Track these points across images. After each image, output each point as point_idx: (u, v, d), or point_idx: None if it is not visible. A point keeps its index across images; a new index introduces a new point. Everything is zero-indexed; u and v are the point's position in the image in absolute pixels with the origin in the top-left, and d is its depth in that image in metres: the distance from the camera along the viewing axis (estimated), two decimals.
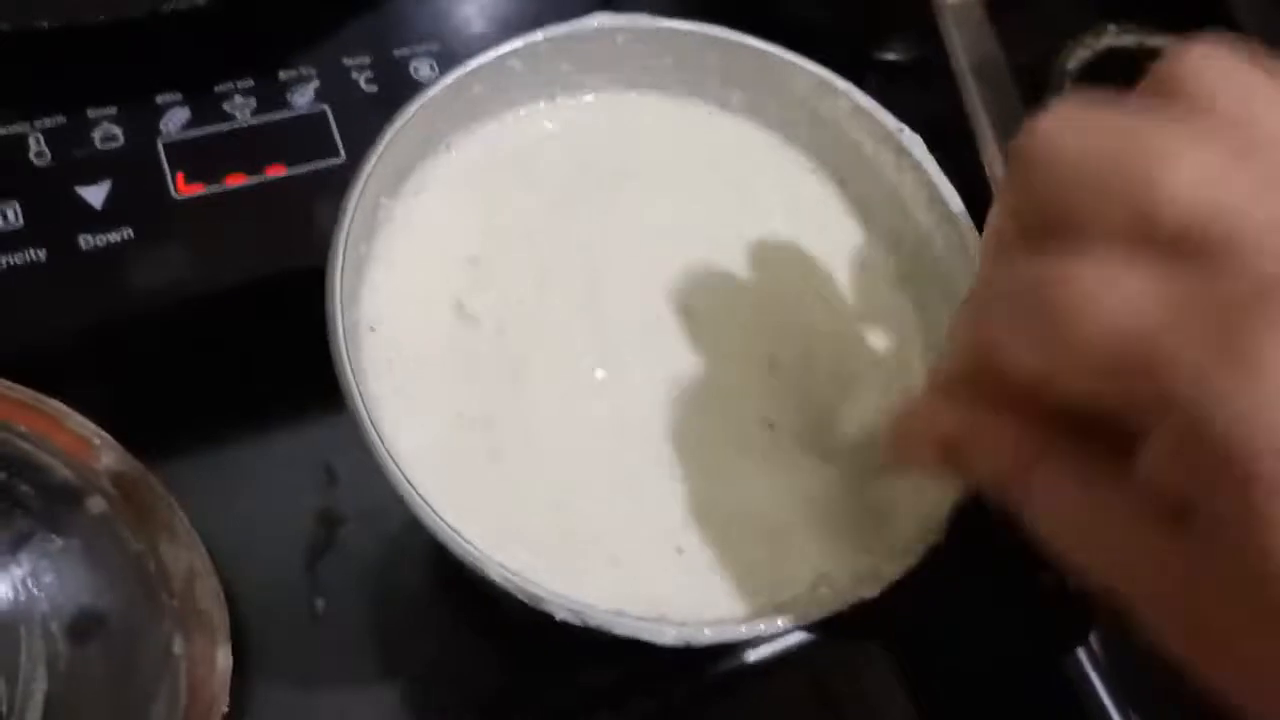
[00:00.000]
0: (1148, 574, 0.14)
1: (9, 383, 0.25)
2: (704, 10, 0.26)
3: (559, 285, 0.21)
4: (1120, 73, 0.33)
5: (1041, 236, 0.15)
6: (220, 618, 0.25)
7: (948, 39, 0.31)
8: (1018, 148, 0.15)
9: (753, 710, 0.29)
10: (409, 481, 0.17)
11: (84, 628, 0.25)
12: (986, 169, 0.30)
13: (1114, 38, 0.33)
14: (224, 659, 0.24)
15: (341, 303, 0.19)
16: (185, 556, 0.25)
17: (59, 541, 0.26)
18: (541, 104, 0.23)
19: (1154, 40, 0.33)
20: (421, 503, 0.17)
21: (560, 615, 0.16)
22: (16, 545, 0.26)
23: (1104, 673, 0.27)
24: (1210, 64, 0.15)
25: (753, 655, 0.29)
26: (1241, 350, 0.12)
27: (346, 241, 0.19)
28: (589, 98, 0.23)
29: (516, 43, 0.21)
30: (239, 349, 0.28)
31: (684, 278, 0.21)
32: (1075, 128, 0.14)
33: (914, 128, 0.24)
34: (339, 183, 0.28)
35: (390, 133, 0.20)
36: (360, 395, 0.18)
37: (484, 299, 0.21)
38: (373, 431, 0.17)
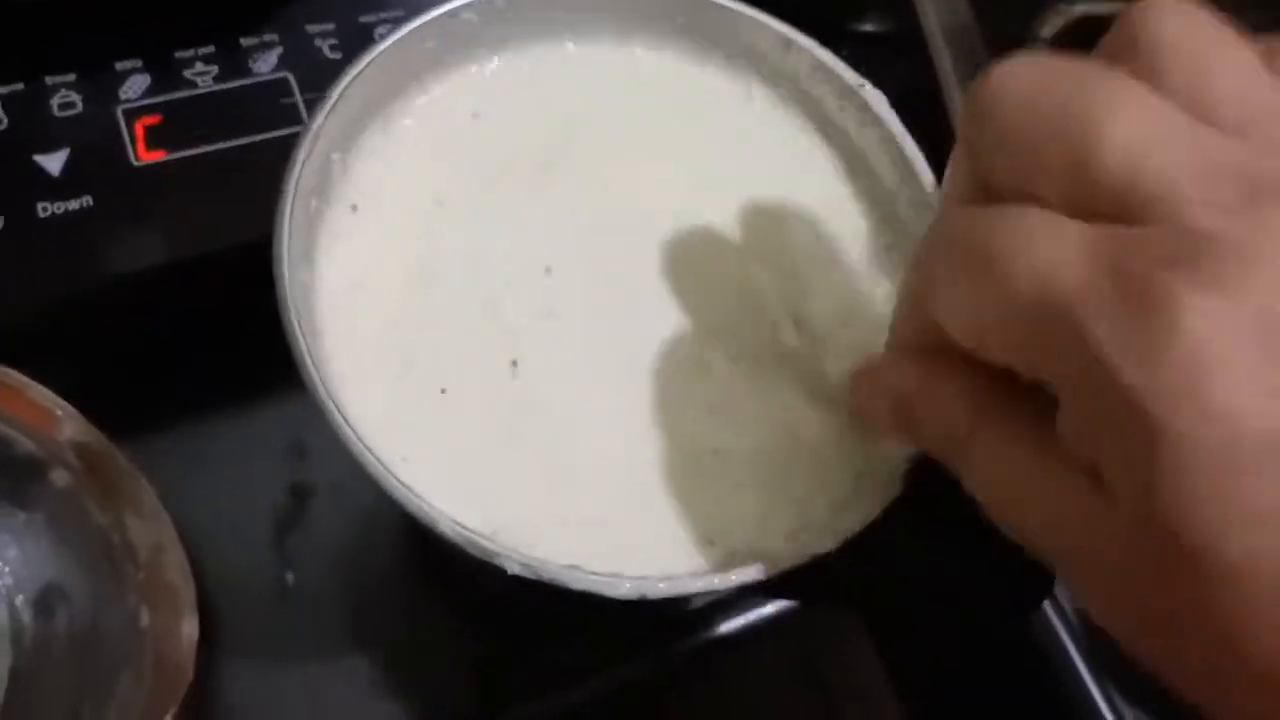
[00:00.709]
0: (1070, 537, 0.14)
1: None
2: None
3: (522, 236, 0.21)
4: (1095, 40, 0.33)
5: (988, 189, 0.15)
6: (187, 591, 0.24)
7: (920, 8, 0.31)
8: (968, 98, 0.15)
9: (734, 689, 0.29)
10: (361, 440, 0.17)
11: (49, 601, 0.25)
12: (957, 136, 0.30)
13: (1090, 4, 0.33)
14: (190, 629, 0.24)
15: (289, 260, 0.18)
16: (151, 530, 0.25)
17: (22, 515, 0.25)
18: (497, 58, 0.22)
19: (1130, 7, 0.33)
20: (373, 460, 0.17)
21: (512, 569, 0.16)
22: None
23: (1077, 638, 0.27)
24: (1167, 19, 0.14)
25: (726, 627, 0.29)
26: (1156, 314, 0.12)
27: (294, 196, 0.19)
28: (547, 49, 0.23)
29: None
30: (204, 319, 0.28)
31: (654, 227, 0.21)
32: (1023, 79, 0.14)
33: (891, 99, 0.24)
34: None
35: (342, 85, 0.20)
36: (310, 355, 0.18)
37: (444, 252, 0.21)
38: (321, 389, 0.17)
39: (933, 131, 0.25)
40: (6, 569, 0.25)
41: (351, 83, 0.20)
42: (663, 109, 0.23)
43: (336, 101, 0.20)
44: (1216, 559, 0.12)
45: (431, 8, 0.31)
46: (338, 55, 0.29)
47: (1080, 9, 0.33)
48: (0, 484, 0.25)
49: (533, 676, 0.28)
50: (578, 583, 0.16)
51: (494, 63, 0.22)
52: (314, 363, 0.18)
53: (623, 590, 0.16)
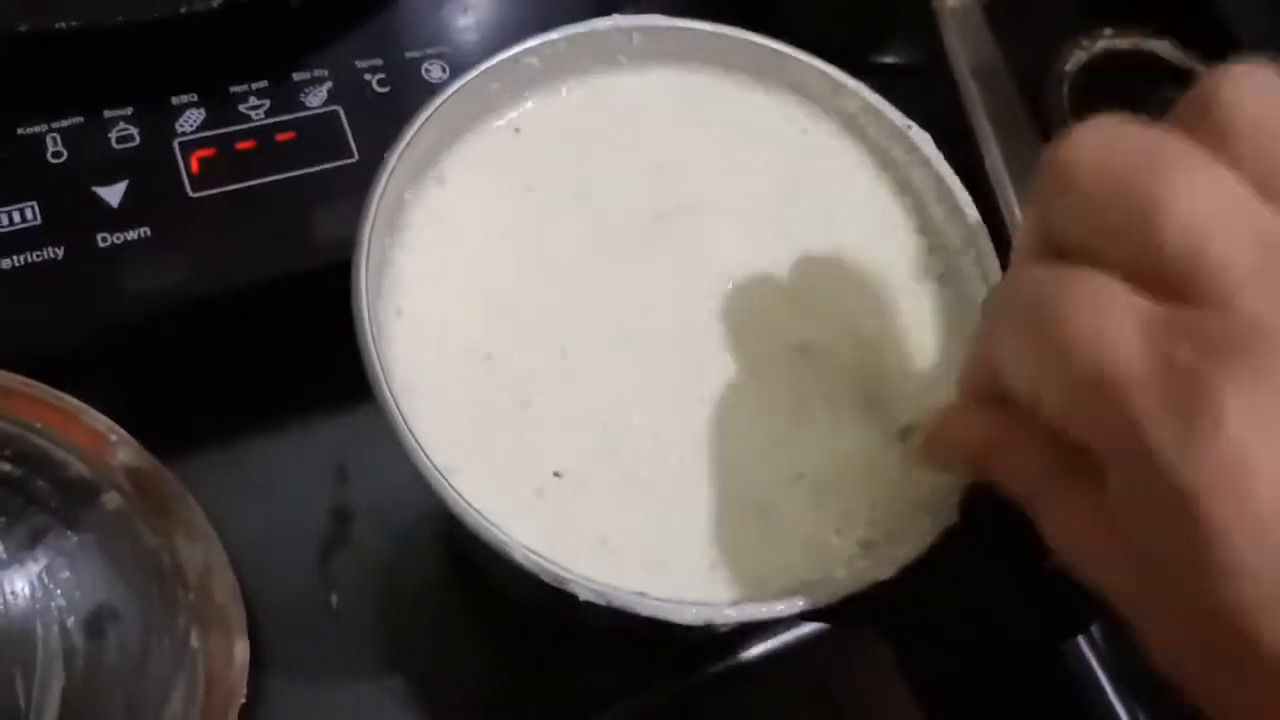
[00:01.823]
0: (1126, 600, 0.14)
1: (27, 379, 0.25)
2: (706, 8, 0.27)
3: (586, 270, 0.21)
4: (1117, 75, 0.34)
5: (1057, 247, 0.15)
6: (237, 612, 0.25)
7: (947, 42, 0.32)
8: (1045, 160, 0.15)
9: (753, 707, 0.30)
10: (437, 469, 0.18)
11: (100, 623, 0.26)
12: (988, 171, 0.30)
13: (1110, 40, 0.34)
14: (241, 652, 0.24)
15: (368, 296, 0.19)
16: (201, 551, 0.25)
17: (75, 537, 0.26)
18: (562, 91, 0.23)
19: (1150, 43, 0.34)
20: (450, 489, 0.17)
21: (584, 596, 0.17)
22: (33, 541, 0.26)
23: (1107, 665, 0.27)
24: (1244, 88, 0.14)
25: (752, 651, 0.29)
26: (1202, 411, 0.12)
27: (371, 235, 0.19)
28: (607, 83, 0.23)
29: (533, 41, 0.22)
30: (254, 347, 0.28)
31: (715, 261, 0.22)
32: (1097, 143, 0.14)
33: (909, 119, 0.24)
34: (352, 182, 0.29)
35: (414, 129, 0.20)
36: (389, 387, 0.18)
37: (512, 286, 0.21)
38: (400, 420, 0.18)
39: (960, 164, 0.25)
40: (58, 591, 0.26)
41: (423, 125, 0.21)
42: (719, 132, 0.23)
43: (409, 143, 0.20)
44: (1268, 654, 0.12)
45: (478, 47, 0.32)
46: (385, 89, 0.30)
47: (1103, 44, 0.34)
48: (53, 506, 0.26)
49: (567, 698, 0.28)
50: (646, 609, 0.16)
51: (554, 99, 0.23)
52: (395, 399, 0.18)
53: (689, 616, 0.16)
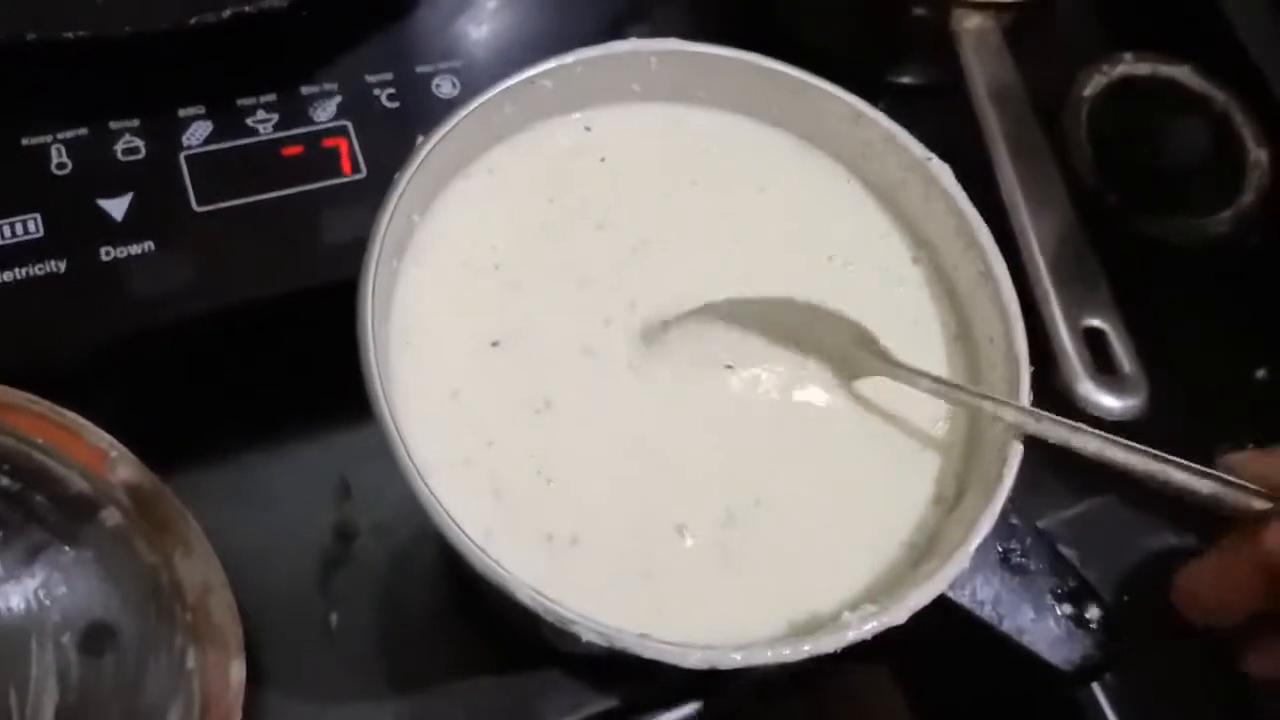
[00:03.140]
0: None
1: (28, 395, 0.25)
2: (723, 31, 0.26)
3: (589, 293, 0.21)
4: (1136, 100, 0.34)
5: None
6: (234, 631, 0.25)
7: (965, 64, 0.32)
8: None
9: None
10: (437, 500, 0.17)
11: (96, 640, 0.25)
12: (1002, 194, 0.30)
13: (1130, 65, 0.34)
14: (238, 673, 0.24)
15: (373, 318, 0.19)
16: (200, 570, 0.25)
17: (73, 553, 0.26)
18: (574, 116, 0.23)
19: (1168, 68, 0.34)
20: (450, 523, 0.17)
21: (587, 637, 0.16)
22: (30, 556, 0.26)
23: (1116, 704, 0.27)
24: None
25: (764, 677, 0.29)
26: None
27: (379, 257, 0.19)
28: (621, 110, 0.23)
29: (549, 64, 0.22)
30: (256, 362, 0.28)
31: (716, 289, 0.22)
32: None
33: (934, 151, 0.24)
34: (359, 198, 0.28)
35: (424, 151, 0.20)
36: (390, 411, 0.18)
37: (516, 309, 0.21)
38: (401, 448, 0.18)
39: (971, 181, 0.25)
40: (54, 606, 0.25)
41: (434, 148, 0.20)
42: (727, 171, 0.23)
43: (419, 166, 0.20)
44: None
45: (489, 62, 0.31)
46: (395, 104, 0.30)
47: (1122, 69, 0.33)
48: (52, 522, 0.26)
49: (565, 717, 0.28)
50: (649, 651, 0.16)
51: (563, 124, 0.23)
52: (394, 419, 0.18)
53: (693, 660, 0.16)
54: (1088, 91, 0.33)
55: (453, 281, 0.21)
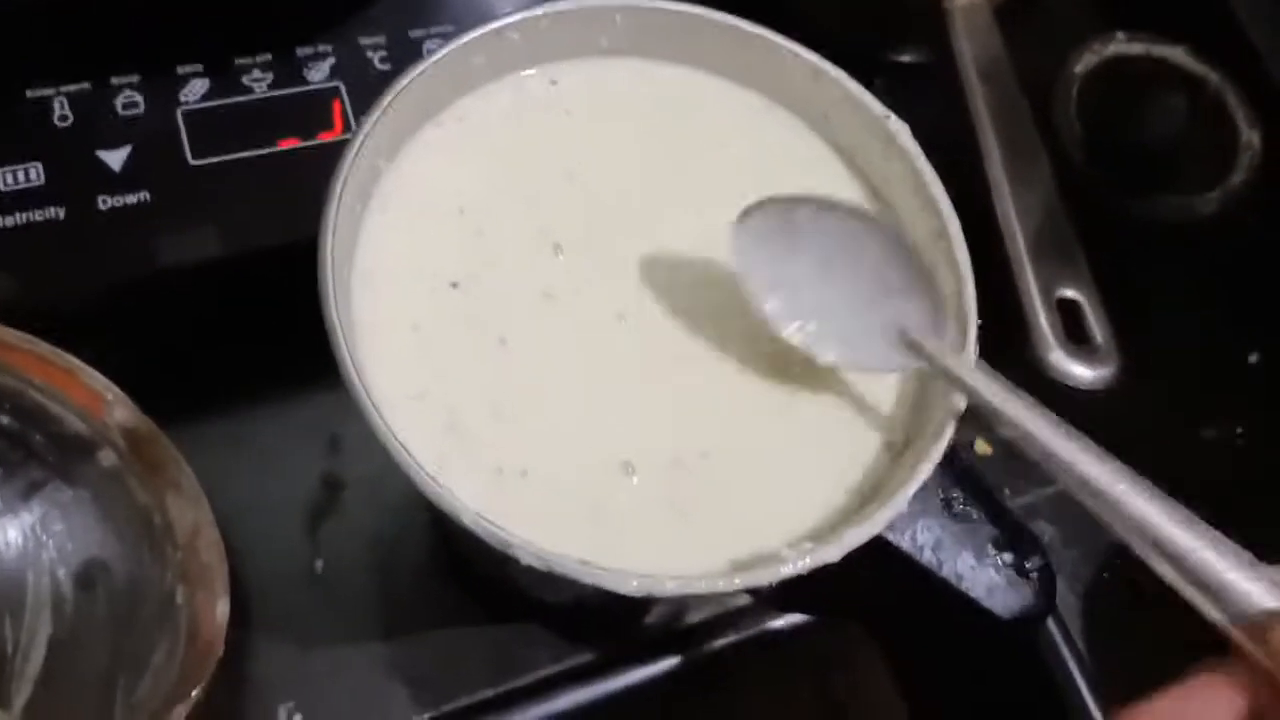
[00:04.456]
0: None
1: (28, 336, 0.26)
2: (715, 6, 0.27)
3: (550, 241, 0.22)
4: (1128, 80, 0.34)
5: None
6: (221, 571, 0.26)
7: (954, 42, 0.32)
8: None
9: (749, 700, 0.30)
10: (390, 429, 0.18)
11: (90, 575, 0.26)
12: (987, 169, 0.30)
13: (1121, 45, 0.33)
14: (223, 610, 0.25)
15: (334, 259, 0.19)
16: (190, 511, 0.26)
17: (69, 491, 0.27)
18: (537, 69, 0.23)
19: (1161, 48, 0.33)
20: (401, 450, 0.18)
21: (526, 560, 0.17)
22: (28, 493, 0.27)
23: (1080, 661, 0.27)
24: None
25: (732, 637, 0.30)
26: None
27: (340, 198, 0.20)
28: (587, 63, 0.23)
29: (516, 16, 0.22)
30: (250, 314, 0.29)
31: (674, 237, 0.22)
32: None
33: (923, 129, 0.24)
34: None
35: (389, 98, 0.21)
36: (346, 344, 0.19)
37: (477, 253, 0.21)
38: (357, 381, 0.18)
39: (964, 161, 0.25)
40: (51, 542, 0.27)
41: (398, 95, 0.21)
42: (691, 126, 0.24)
43: (384, 112, 0.21)
44: None
45: (479, 23, 0.32)
46: (387, 67, 0.30)
47: (1114, 48, 0.33)
48: (50, 461, 0.27)
49: (549, 673, 0.29)
50: (588, 577, 0.17)
51: (530, 76, 0.23)
52: (353, 361, 0.18)
53: (630, 587, 0.17)
54: (1079, 69, 0.33)
55: (416, 226, 0.21)
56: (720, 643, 0.29)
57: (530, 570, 0.17)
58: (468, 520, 0.17)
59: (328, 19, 0.30)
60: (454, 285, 0.21)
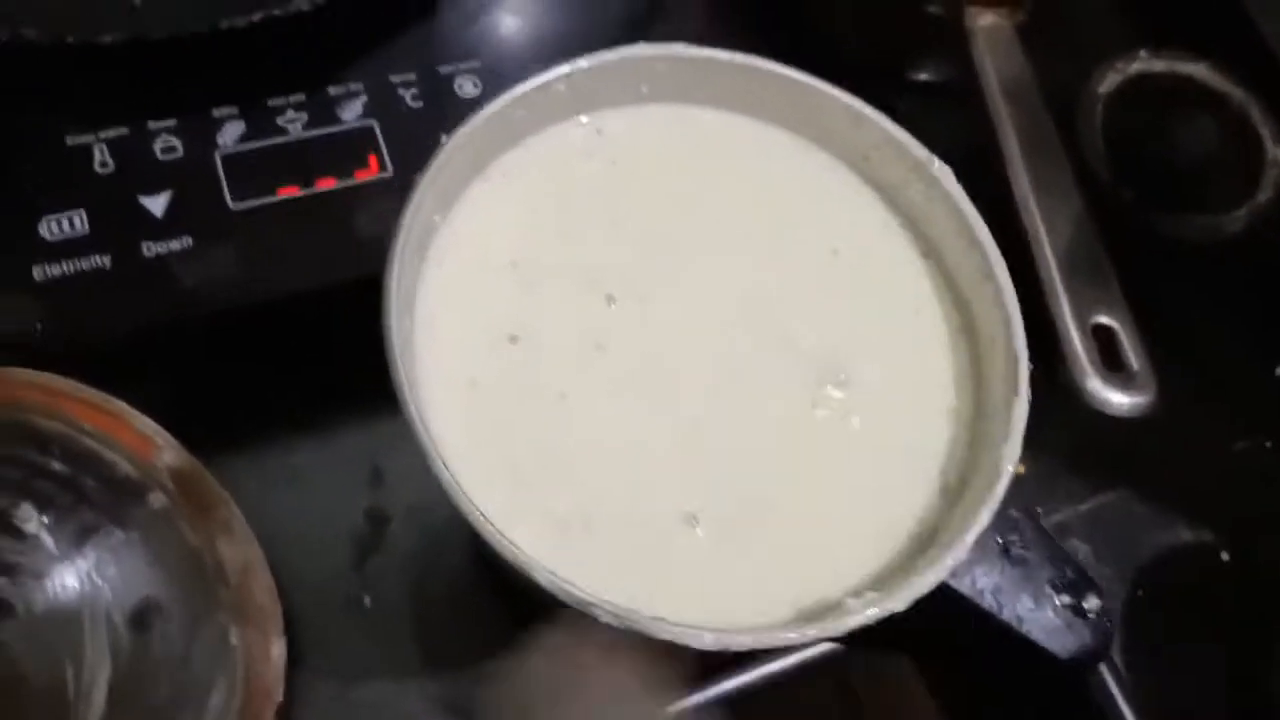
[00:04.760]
0: None
1: (77, 384, 0.26)
2: (737, 29, 0.27)
3: (601, 291, 0.22)
4: (1152, 98, 0.34)
5: None
6: (274, 611, 0.26)
7: (978, 62, 0.32)
8: None
9: (778, 712, 0.30)
10: (458, 484, 0.18)
11: (144, 616, 0.27)
12: (1014, 191, 0.30)
13: (1145, 62, 0.34)
14: (279, 651, 0.25)
15: (397, 313, 0.20)
16: (241, 551, 0.26)
17: (121, 534, 0.27)
18: (584, 118, 0.24)
19: (1186, 65, 0.34)
20: (473, 508, 0.18)
21: (604, 619, 0.17)
22: (81, 538, 0.27)
23: (1128, 691, 0.27)
24: None
25: (780, 663, 0.30)
26: None
27: (401, 257, 0.20)
28: (628, 110, 0.24)
29: (563, 69, 0.22)
30: (291, 353, 0.29)
31: (723, 282, 0.22)
32: None
33: (946, 149, 0.25)
34: (385, 195, 0.29)
35: (442, 156, 0.21)
36: (412, 400, 0.19)
37: (531, 305, 0.22)
38: (425, 435, 0.19)
39: (989, 182, 0.26)
40: (106, 585, 0.27)
41: (451, 152, 0.21)
42: (734, 171, 0.24)
43: (438, 170, 0.21)
44: None
45: (509, 61, 0.32)
46: (419, 104, 0.30)
47: (1137, 66, 0.34)
48: (101, 505, 0.27)
49: None
50: (663, 633, 0.17)
51: (572, 126, 0.24)
52: (416, 407, 0.19)
53: (705, 642, 0.17)
54: (1103, 88, 0.33)
55: (472, 280, 0.22)
56: (767, 669, 0.30)
57: (550, 598, 0.18)
58: (542, 579, 0.18)
59: (355, 57, 0.31)
60: (512, 340, 0.21)
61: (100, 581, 0.27)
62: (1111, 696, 0.28)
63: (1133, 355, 0.27)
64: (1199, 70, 0.33)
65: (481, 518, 0.18)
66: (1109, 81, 0.33)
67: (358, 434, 0.30)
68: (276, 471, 0.29)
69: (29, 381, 0.25)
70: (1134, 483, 0.29)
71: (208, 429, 0.27)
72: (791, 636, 0.17)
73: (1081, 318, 0.27)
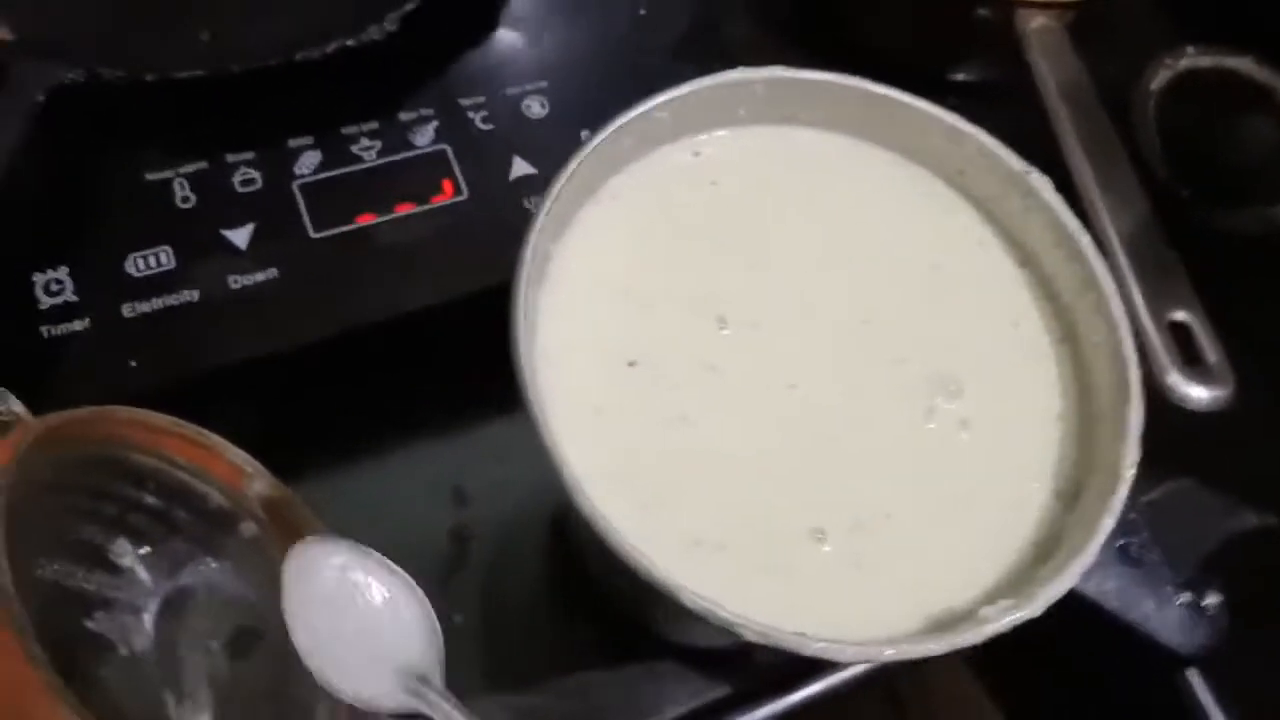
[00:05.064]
0: None
1: (173, 419, 0.26)
2: (789, 36, 0.27)
3: (716, 314, 0.23)
4: (1201, 92, 0.34)
5: None
6: None
7: (1033, 65, 0.32)
8: None
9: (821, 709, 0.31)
10: (601, 513, 0.19)
11: (243, 644, 0.27)
12: (1079, 193, 0.31)
13: (1193, 59, 0.34)
14: None
15: (522, 344, 0.20)
16: None
17: (214, 564, 0.27)
18: (684, 141, 0.24)
19: (1231, 60, 0.34)
20: (619, 536, 0.18)
21: (750, 638, 0.18)
22: (175, 569, 0.27)
23: (1218, 696, 0.27)
24: None
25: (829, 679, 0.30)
26: None
27: (524, 290, 0.20)
28: (726, 133, 0.24)
29: (665, 96, 0.23)
30: (374, 376, 0.29)
31: (829, 299, 0.23)
32: None
33: (1026, 164, 0.25)
34: (461, 218, 0.30)
35: (556, 186, 0.21)
36: (546, 423, 0.19)
37: (646, 330, 0.22)
38: (563, 464, 0.19)
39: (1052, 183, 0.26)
40: (201, 616, 0.27)
41: (564, 183, 0.21)
42: (831, 188, 0.24)
43: (554, 200, 0.21)
44: None
45: (574, 80, 0.32)
46: (489, 126, 0.31)
47: (1185, 62, 0.34)
48: (196, 535, 0.27)
49: (673, 713, 0.30)
50: (807, 649, 0.18)
51: (673, 150, 0.24)
52: (549, 430, 0.19)
53: (848, 656, 0.18)
54: (1155, 85, 0.34)
55: (587, 306, 0.22)
56: (844, 675, 0.30)
57: (679, 615, 0.18)
58: (686, 600, 0.18)
59: (424, 82, 0.31)
60: (630, 364, 0.21)
61: (195, 612, 0.27)
62: (1189, 685, 0.29)
63: (1209, 349, 0.27)
64: (1244, 64, 0.34)
65: (629, 545, 0.18)
66: (1159, 78, 0.34)
67: (441, 456, 0.30)
68: (362, 494, 0.30)
69: (130, 419, 0.25)
70: (1201, 470, 0.30)
71: (295, 454, 0.27)
72: (933, 647, 0.18)
73: (1158, 315, 0.27)
